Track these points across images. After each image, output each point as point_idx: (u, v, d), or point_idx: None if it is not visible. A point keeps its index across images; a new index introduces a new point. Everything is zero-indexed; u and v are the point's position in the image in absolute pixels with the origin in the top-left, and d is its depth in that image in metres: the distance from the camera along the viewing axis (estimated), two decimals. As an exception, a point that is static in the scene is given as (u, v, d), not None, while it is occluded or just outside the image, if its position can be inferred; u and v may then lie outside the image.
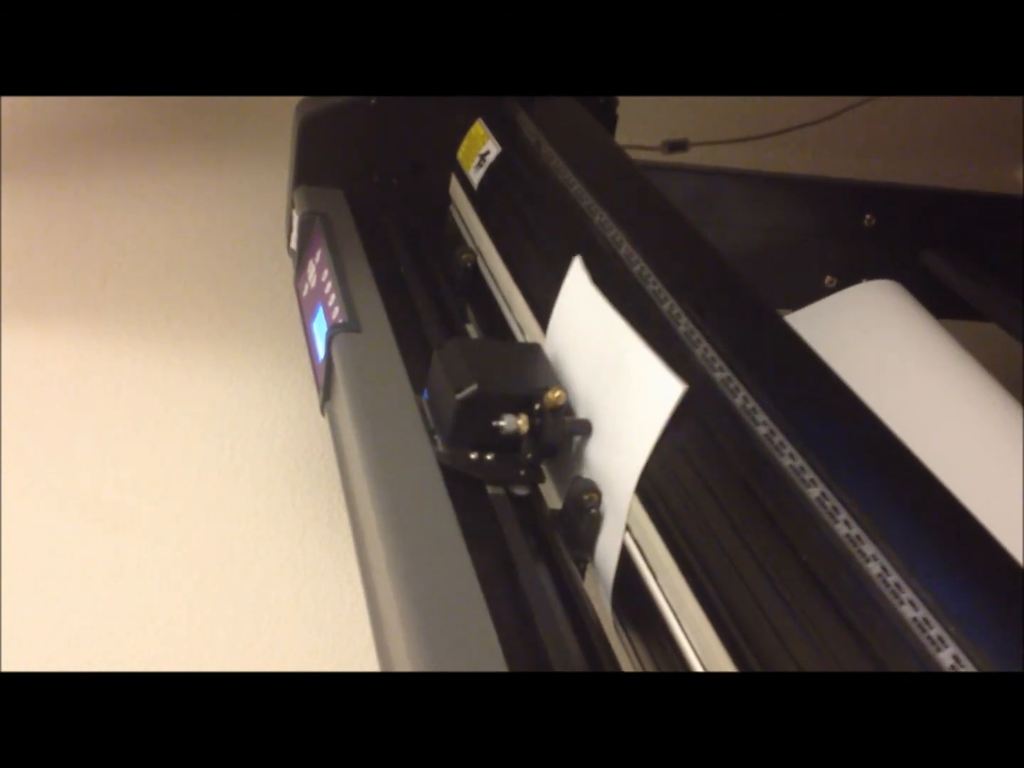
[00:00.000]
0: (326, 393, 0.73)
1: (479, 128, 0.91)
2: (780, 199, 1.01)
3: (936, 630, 0.41)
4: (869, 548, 0.45)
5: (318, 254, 0.82)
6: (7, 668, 0.85)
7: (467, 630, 0.49)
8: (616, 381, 0.61)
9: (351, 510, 0.66)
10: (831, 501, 0.47)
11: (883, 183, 1.04)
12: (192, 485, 1.02)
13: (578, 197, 0.75)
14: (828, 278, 1.02)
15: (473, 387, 0.61)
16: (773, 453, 0.51)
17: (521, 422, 0.62)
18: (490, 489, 0.64)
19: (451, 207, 0.94)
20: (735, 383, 0.55)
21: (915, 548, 0.44)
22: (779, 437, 0.51)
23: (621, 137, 0.94)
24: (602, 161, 0.82)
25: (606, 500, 0.60)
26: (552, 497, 0.65)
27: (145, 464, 1.02)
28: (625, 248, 0.67)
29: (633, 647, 0.62)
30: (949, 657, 0.40)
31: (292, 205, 0.92)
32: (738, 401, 0.54)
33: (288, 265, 0.95)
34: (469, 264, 0.86)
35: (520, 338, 0.77)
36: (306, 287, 0.84)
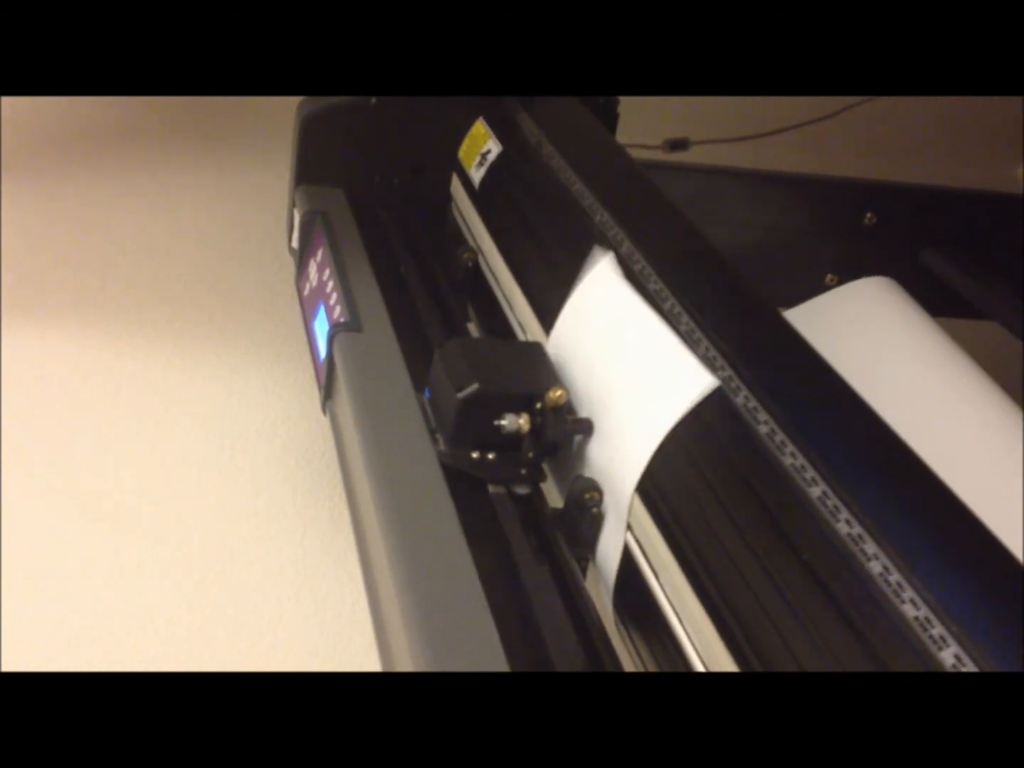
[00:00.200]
0: (327, 392, 0.73)
1: (480, 127, 0.90)
2: (781, 198, 1.01)
3: (938, 629, 0.41)
4: (870, 547, 0.45)
5: (319, 253, 0.82)
6: (7, 668, 0.85)
7: (468, 629, 0.49)
8: (634, 375, 0.60)
9: (352, 509, 0.66)
10: (832, 500, 0.47)
11: (884, 182, 1.04)
12: (193, 485, 1.02)
13: (579, 196, 0.75)
14: (829, 277, 1.02)
15: (474, 386, 0.61)
16: (774, 452, 0.51)
17: (522, 421, 0.62)
18: (491, 488, 0.64)
19: (452, 206, 0.94)
20: (736, 382, 0.55)
21: (916, 547, 0.44)
22: (780, 436, 0.51)
23: (622, 136, 0.94)
24: (603, 160, 0.82)
25: (607, 499, 0.60)
26: (553, 496, 0.65)
27: (146, 464, 1.02)
28: (626, 247, 0.67)
29: (635, 646, 0.62)
30: (951, 656, 0.40)
31: (293, 204, 0.92)
32: (739, 400, 0.54)
33: (288, 264, 0.95)
34: (470, 263, 0.86)
35: (521, 337, 0.77)
36: (307, 286, 0.84)
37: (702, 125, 1.08)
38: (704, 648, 0.51)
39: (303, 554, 0.98)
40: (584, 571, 0.61)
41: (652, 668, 0.60)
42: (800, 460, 0.50)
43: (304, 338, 0.81)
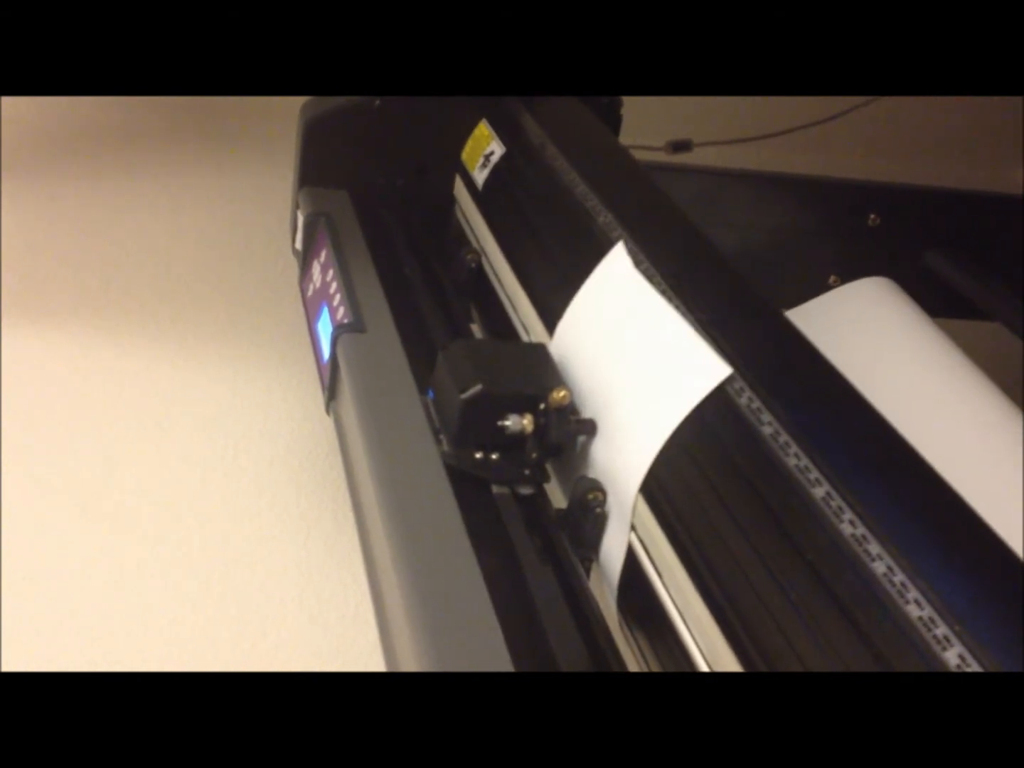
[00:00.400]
0: (331, 393, 0.73)
1: (483, 128, 0.91)
2: (784, 199, 1.01)
3: (942, 629, 0.41)
4: (874, 547, 0.45)
5: (323, 254, 0.82)
6: (7, 668, 0.85)
7: (473, 630, 0.49)
8: (641, 370, 0.60)
9: (356, 510, 0.66)
10: (836, 500, 0.47)
11: (887, 183, 1.04)
12: (195, 485, 1.02)
13: (582, 197, 0.75)
14: (832, 278, 1.02)
15: (478, 387, 0.61)
16: (778, 453, 0.51)
17: (526, 422, 0.62)
18: (495, 489, 0.64)
19: (455, 207, 0.94)
20: (740, 383, 0.55)
21: (920, 547, 0.44)
22: (784, 437, 0.51)
23: (625, 137, 0.94)
24: (606, 161, 0.82)
25: (611, 499, 0.60)
26: (557, 496, 0.65)
27: (148, 464, 1.02)
28: (630, 248, 0.67)
29: (639, 646, 0.62)
30: (955, 656, 0.40)
31: (297, 206, 0.92)
32: (743, 401, 0.54)
33: (291, 265, 0.95)
34: (473, 264, 0.86)
35: (525, 338, 0.77)
36: (311, 287, 0.84)
37: (705, 126, 1.08)
38: (708, 648, 0.51)
39: (307, 555, 0.98)
40: (588, 571, 0.62)
41: (656, 668, 0.60)
42: (804, 461, 0.50)
43: (307, 339, 0.81)
